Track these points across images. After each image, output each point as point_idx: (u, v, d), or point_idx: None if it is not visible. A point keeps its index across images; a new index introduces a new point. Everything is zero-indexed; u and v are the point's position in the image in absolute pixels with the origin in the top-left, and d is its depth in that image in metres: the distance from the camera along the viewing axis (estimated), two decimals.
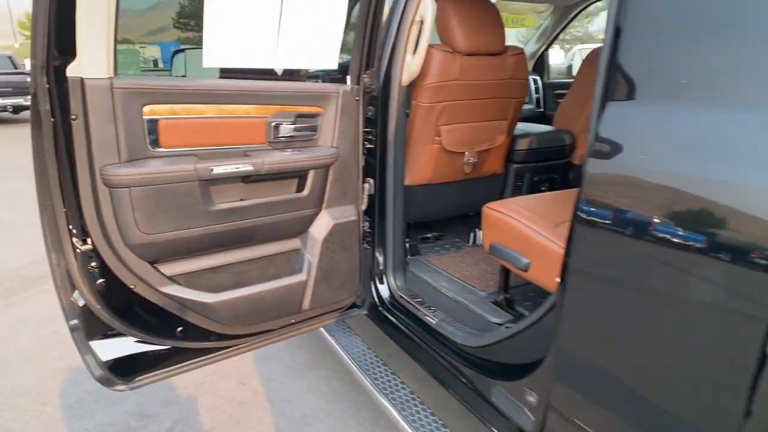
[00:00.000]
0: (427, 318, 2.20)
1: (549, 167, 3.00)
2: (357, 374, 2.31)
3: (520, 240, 1.88)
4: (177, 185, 1.62)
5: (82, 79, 1.43)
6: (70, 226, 1.59)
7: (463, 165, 2.64)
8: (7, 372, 2.87)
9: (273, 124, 1.84)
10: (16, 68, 13.40)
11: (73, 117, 1.45)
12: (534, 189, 3.00)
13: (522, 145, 2.86)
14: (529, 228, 1.84)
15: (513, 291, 2.24)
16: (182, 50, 3.35)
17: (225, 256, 1.88)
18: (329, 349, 2.61)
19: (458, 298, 2.26)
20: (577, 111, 3.07)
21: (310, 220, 2.05)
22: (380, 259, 2.44)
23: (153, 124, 1.58)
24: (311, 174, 1.96)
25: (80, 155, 1.49)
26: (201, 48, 1.60)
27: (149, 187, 1.57)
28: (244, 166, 1.74)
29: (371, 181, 2.30)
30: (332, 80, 2.19)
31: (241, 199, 1.87)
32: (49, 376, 2.84)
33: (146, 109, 1.56)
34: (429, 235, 2.98)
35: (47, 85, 1.42)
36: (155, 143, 1.61)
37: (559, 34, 4.17)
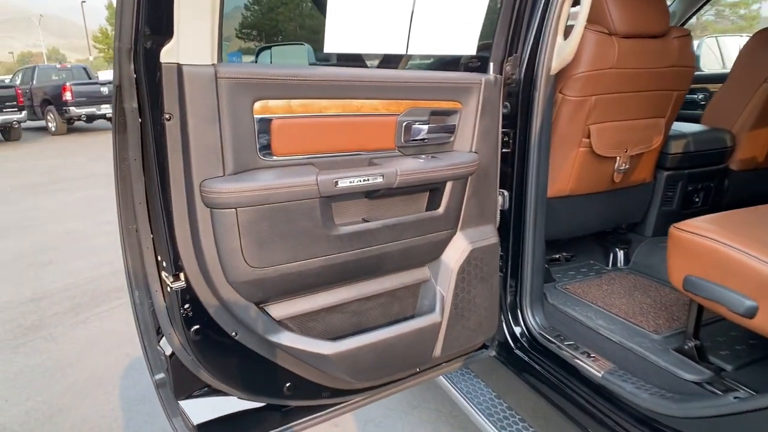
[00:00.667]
0: (587, 367, 1.71)
1: (705, 174, 2.44)
2: (476, 419, 1.87)
3: (739, 275, 1.37)
4: (295, 204, 1.24)
5: (179, 66, 1.08)
6: (159, 258, 1.24)
7: (612, 173, 2.14)
8: (76, 400, 2.63)
9: (405, 123, 1.44)
10: (90, 78, 14.25)
11: (167, 116, 1.11)
12: (687, 200, 2.45)
13: (676, 147, 2.33)
14: (755, 259, 1.33)
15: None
16: (268, 47, 3.06)
17: (342, 293, 1.48)
18: (435, 388, 2.18)
19: (625, 341, 1.77)
20: (735, 106, 2.49)
21: (444, 244, 1.63)
22: (513, 287, 1.98)
23: (265, 124, 1.22)
24: (448, 187, 1.54)
25: (175, 166, 1.14)
26: (286, 44, 1.22)
27: (261, 207, 1.20)
28: (374, 178, 1.34)
29: (505, 193, 1.86)
30: (465, 68, 1.77)
31: (364, 220, 1.48)
32: (121, 407, 2.57)
33: (257, 105, 1.19)
34: (558, 256, 2.50)
35: (134, 74, 1.08)
36: (267, 150, 1.24)
37: (688, 20, 3.58)
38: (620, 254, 2.46)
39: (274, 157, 1.25)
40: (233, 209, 1.17)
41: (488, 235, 1.71)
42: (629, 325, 1.87)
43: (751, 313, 1.34)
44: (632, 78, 1.93)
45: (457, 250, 1.63)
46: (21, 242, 5.15)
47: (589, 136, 1.99)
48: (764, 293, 1.31)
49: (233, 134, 1.16)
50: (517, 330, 1.96)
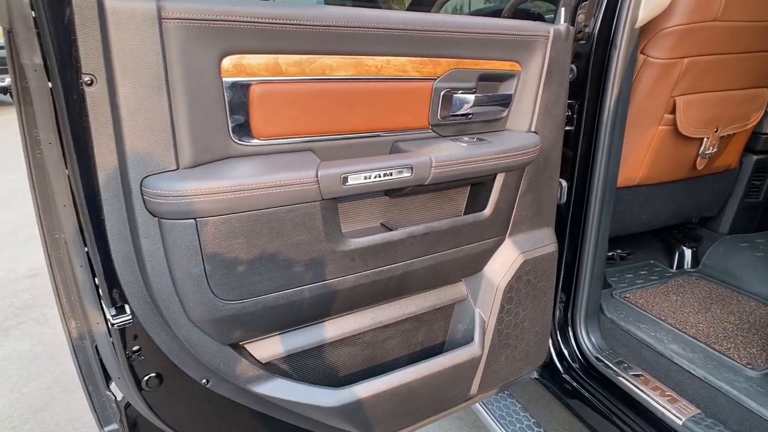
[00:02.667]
0: (661, 409, 1.33)
1: None
2: None
3: None
4: (285, 210, 0.86)
5: (100, 1, 0.69)
6: (96, 280, 0.88)
7: (695, 157, 1.71)
8: (65, 393, 2.34)
9: (443, 92, 1.03)
10: None
11: (86, 80, 0.72)
12: None
13: None
14: None
15: None
16: None
17: (351, 322, 1.11)
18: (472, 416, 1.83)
19: (710, 378, 1.38)
20: None
21: (489, 254, 1.24)
22: (564, 299, 1.59)
23: (240, 92, 0.82)
24: (499, 180, 1.14)
25: (103, 155, 0.76)
26: None
27: (235, 217, 0.82)
28: (399, 173, 0.94)
29: (563, 183, 1.45)
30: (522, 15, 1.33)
31: (383, 226, 1.09)
32: None
33: (228, 62, 0.79)
34: (612, 254, 2.09)
35: (32, 11, 0.69)
36: (243, 130, 0.84)
37: None
38: (687, 254, 2.04)
39: (255, 141, 0.86)
40: (191, 220, 0.79)
41: (545, 241, 1.31)
42: (713, 353, 1.48)
43: None
44: (735, 35, 1.47)
45: (504, 263, 1.24)
46: (18, 213, 4.86)
47: (673, 111, 1.55)
48: None
49: (191, 107, 0.77)
50: (566, 350, 1.59)
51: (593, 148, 1.40)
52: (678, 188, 1.82)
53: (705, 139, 1.65)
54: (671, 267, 2.04)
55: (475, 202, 1.17)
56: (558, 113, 1.23)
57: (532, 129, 1.19)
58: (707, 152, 1.68)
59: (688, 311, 1.71)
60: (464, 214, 1.20)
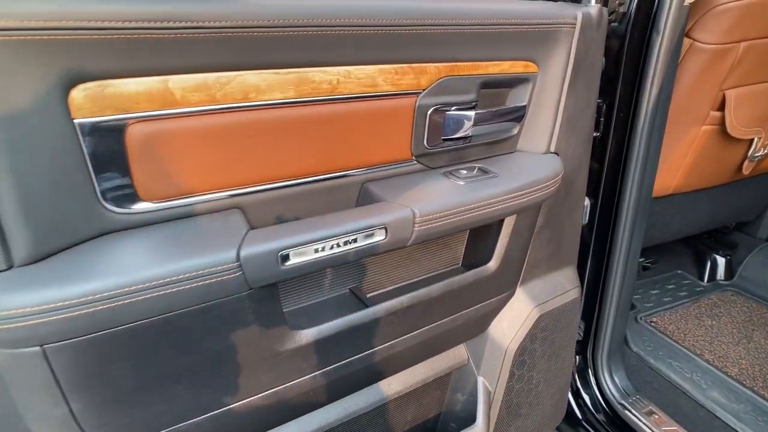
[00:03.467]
0: None
1: None
2: None
3: None
4: (193, 312, 0.58)
5: None
6: None
7: (742, 161, 1.42)
8: None
9: (430, 111, 0.74)
10: None
11: None
12: None
13: None
14: None
15: None
16: None
17: (311, 421, 0.84)
18: None
19: None
20: None
21: (495, 313, 0.97)
22: (583, 335, 1.33)
23: (109, 138, 0.53)
24: (508, 225, 0.86)
25: None
26: None
27: (112, 334, 0.53)
28: (367, 237, 0.66)
29: (587, 201, 1.17)
30: None
31: (352, 292, 0.81)
32: None
33: (79, 95, 0.50)
34: None
35: None
36: (123, 192, 0.56)
37: None
38: (721, 263, 1.77)
39: (143, 206, 0.57)
40: (37, 348, 0.51)
41: (566, 285, 1.03)
42: (763, 404, 1.22)
43: None
44: None
45: (515, 320, 0.97)
46: None
47: (721, 108, 1.25)
48: None
49: (20, 170, 0.48)
50: (587, 396, 1.33)
51: (625, 157, 1.11)
52: (717, 194, 1.53)
53: (756, 139, 1.35)
54: (702, 279, 1.77)
55: (477, 251, 0.89)
56: (585, 125, 0.93)
57: (552, 149, 0.90)
58: (757, 155, 1.39)
59: (727, 341, 1.45)
60: (462, 264, 0.92)
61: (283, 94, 0.62)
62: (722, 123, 1.28)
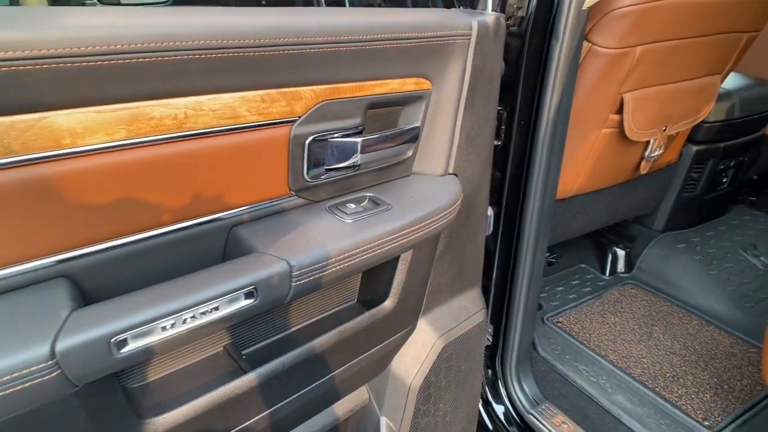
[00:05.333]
0: None
1: (741, 146, 1.79)
2: None
3: None
4: (6, 423, 0.44)
5: None
6: None
7: (639, 161, 1.43)
8: None
9: (309, 141, 0.62)
10: None
11: None
12: (713, 182, 1.81)
13: (717, 114, 1.63)
14: None
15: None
16: None
17: None
18: None
19: None
20: None
21: (396, 349, 0.88)
22: (491, 347, 1.29)
23: None
24: (404, 260, 0.77)
25: None
26: None
27: None
28: (232, 302, 0.54)
29: (490, 211, 1.11)
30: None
31: (226, 351, 0.69)
32: None
33: None
34: None
35: None
36: None
37: None
38: (621, 255, 1.82)
39: None
40: None
41: (470, 309, 0.97)
42: (665, 406, 1.25)
43: None
44: (698, 13, 1.16)
45: (418, 354, 0.89)
46: None
47: (619, 111, 1.24)
48: None
49: None
50: (498, 408, 1.30)
51: (527, 164, 1.06)
52: (616, 192, 1.55)
53: (652, 140, 1.37)
54: (604, 272, 1.82)
55: (372, 289, 0.80)
56: (485, 141, 0.86)
57: (450, 170, 0.81)
58: (653, 155, 1.41)
59: (629, 339, 1.48)
60: (358, 300, 0.82)
61: (110, 136, 0.48)
62: (621, 126, 1.27)
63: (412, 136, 0.75)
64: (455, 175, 0.82)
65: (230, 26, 0.50)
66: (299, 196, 0.66)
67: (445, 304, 0.93)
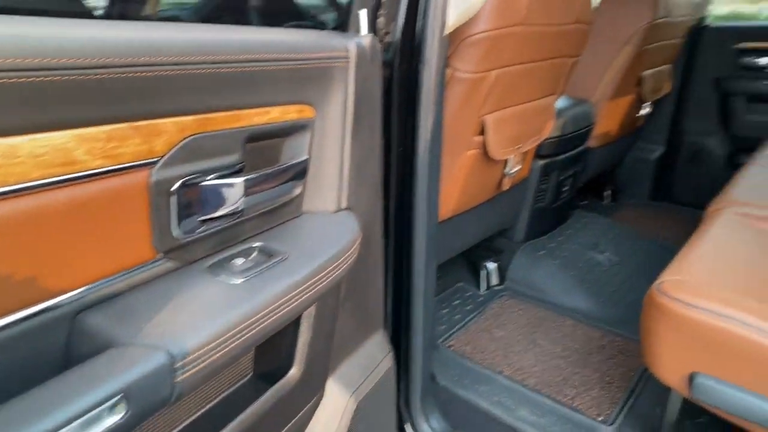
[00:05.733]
0: None
1: (574, 158, 2.00)
2: None
3: None
4: None
5: None
6: None
7: (501, 178, 1.50)
8: None
9: (178, 185, 0.49)
10: None
11: None
12: (557, 191, 1.99)
13: (554, 130, 1.80)
14: None
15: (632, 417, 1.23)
16: None
17: None
18: None
19: None
20: (595, 73, 2.08)
21: (306, 423, 0.75)
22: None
23: None
24: (307, 317, 0.66)
25: None
26: None
27: None
28: (89, 426, 0.38)
29: None
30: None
31: None
32: None
33: None
34: None
35: None
36: None
37: None
38: (492, 269, 1.90)
39: None
40: None
41: (378, 356, 0.89)
42: (563, 411, 1.29)
43: None
44: (540, 40, 1.26)
45: (330, 421, 0.77)
46: None
47: (482, 132, 1.29)
48: None
49: None
50: None
51: (411, 191, 1.03)
52: (483, 209, 1.61)
53: (511, 157, 1.44)
54: (480, 288, 1.87)
55: (272, 357, 0.67)
56: (374, 170, 0.80)
57: (343, 205, 0.73)
58: (512, 171, 1.49)
59: (518, 350, 1.52)
60: (255, 373, 0.68)
61: None
62: (483, 147, 1.31)
63: (301, 171, 0.65)
64: (349, 209, 0.74)
65: (57, 40, 0.37)
66: (169, 259, 0.53)
67: (353, 356, 0.84)
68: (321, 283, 0.61)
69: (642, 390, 1.35)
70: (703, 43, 2.42)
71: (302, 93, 0.63)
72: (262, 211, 0.62)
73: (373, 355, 0.88)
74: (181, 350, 0.44)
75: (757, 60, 2.28)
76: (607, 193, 2.66)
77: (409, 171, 1.02)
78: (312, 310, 0.65)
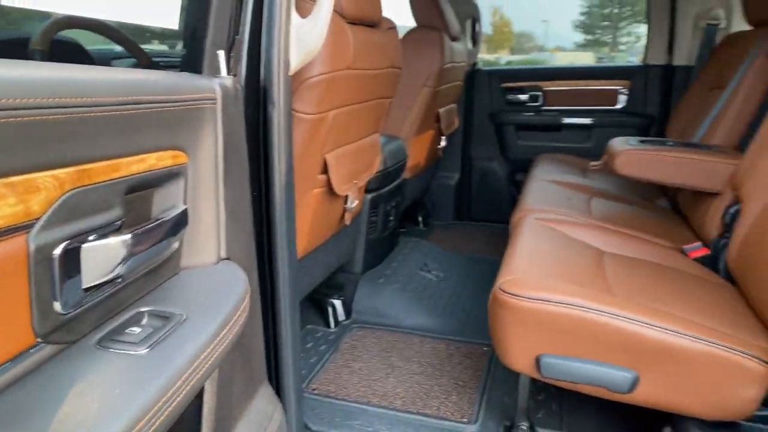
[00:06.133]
0: None
1: (395, 189, 2.17)
2: None
3: (611, 343, 1.05)
4: None
5: None
6: None
7: (343, 213, 1.56)
8: None
9: (59, 249, 0.41)
10: None
11: None
12: (386, 223, 2.13)
13: (378, 164, 1.93)
14: (627, 321, 1.03)
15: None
16: None
17: None
18: None
19: None
20: (402, 112, 2.31)
21: None
22: None
23: None
24: (211, 388, 0.60)
25: None
26: None
27: None
28: None
29: None
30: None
31: None
32: None
33: None
34: None
35: None
36: None
37: None
38: (338, 305, 1.93)
39: None
40: None
41: (268, 410, 0.84)
42: (434, 422, 1.36)
43: (632, 387, 1.04)
44: (366, 83, 1.37)
45: None
46: None
47: (326, 170, 1.33)
48: (643, 360, 1.03)
49: None
50: None
51: (271, 235, 1.01)
52: (328, 246, 1.64)
53: (350, 194, 1.51)
54: (329, 326, 1.88)
55: None
56: (246, 216, 0.78)
57: (223, 255, 0.69)
58: (352, 206, 1.56)
59: (379, 378, 1.56)
60: None
61: None
62: (327, 184, 1.35)
63: (181, 222, 0.60)
64: (228, 259, 0.70)
65: None
66: (48, 342, 0.43)
67: (244, 417, 0.77)
68: (224, 342, 0.56)
69: (492, 385, 1.50)
70: (477, 84, 2.89)
71: (175, 137, 0.58)
72: (144, 272, 0.55)
73: (265, 410, 0.82)
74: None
75: (518, 96, 2.81)
76: (420, 218, 2.93)
77: (266, 214, 0.99)
78: (215, 374, 0.58)
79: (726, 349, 0.97)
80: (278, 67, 0.93)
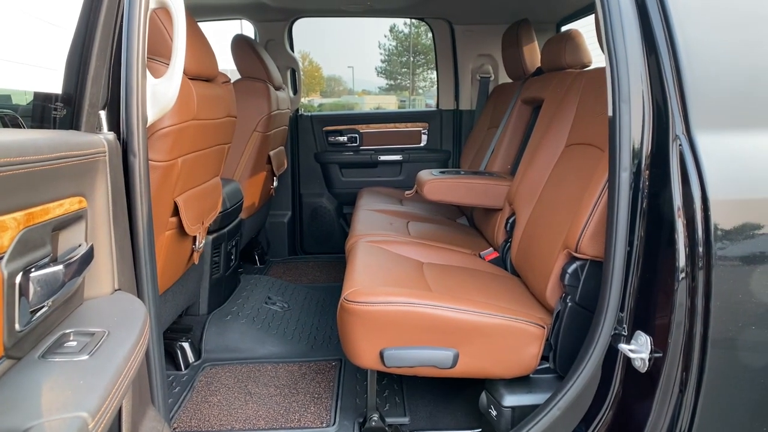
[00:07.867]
0: None
1: (234, 229, 2.28)
2: None
3: (435, 329, 1.34)
4: None
5: None
6: None
7: (192, 252, 1.63)
8: None
9: (20, 277, 0.52)
10: None
11: None
12: (228, 261, 2.22)
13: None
14: (448, 309, 1.34)
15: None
16: None
17: None
18: None
19: None
20: (234, 156, 2.45)
21: None
22: None
23: None
24: (128, 404, 0.70)
25: None
26: None
27: None
28: None
29: None
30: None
31: None
32: None
33: None
34: None
35: None
36: None
37: None
38: (187, 347, 1.95)
39: None
40: None
41: (158, 427, 0.91)
42: None
43: (455, 362, 1.35)
44: (207, 131, 1.50)
45: None
46: None
47: (176, 213, 1.42)
48: (459, 338, 1.34)
49: None
50: None
51: (137, 277, 1.09)
52: (176, 288, 1.69)
53: (198, 234, 1.60)
54: (180, 368, 1.89)
55: None
56: (128, 253, 0.87)
57: (116, 286, 0.79)
58: (200, 246, 1.65)
59: (239, 405, 1.64)
60: None
61: None
62: (178, 226, 1.44)
63: (89, 257, 0.69)
64: (120, 290, 0.79)
65: None
66: (8, 356, 0.52)
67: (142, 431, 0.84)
68: (141, 352, 0.67)
69: (344, 392, 1.70)
70: (302, 127, 3.16)
71: (79, 185, 0.68)
72: (65, 299, 0.63)
73: (155, 428, 0.89)
74: (90, 408, 0.47)
75: (338, 138, 3.15)
76: (257, 256, 3.04)
77: (133, 255, 1.07)
78: (129, 392, 0.67)
79: (515, 320, 1.32)
80: (138, 121, 1.03)
